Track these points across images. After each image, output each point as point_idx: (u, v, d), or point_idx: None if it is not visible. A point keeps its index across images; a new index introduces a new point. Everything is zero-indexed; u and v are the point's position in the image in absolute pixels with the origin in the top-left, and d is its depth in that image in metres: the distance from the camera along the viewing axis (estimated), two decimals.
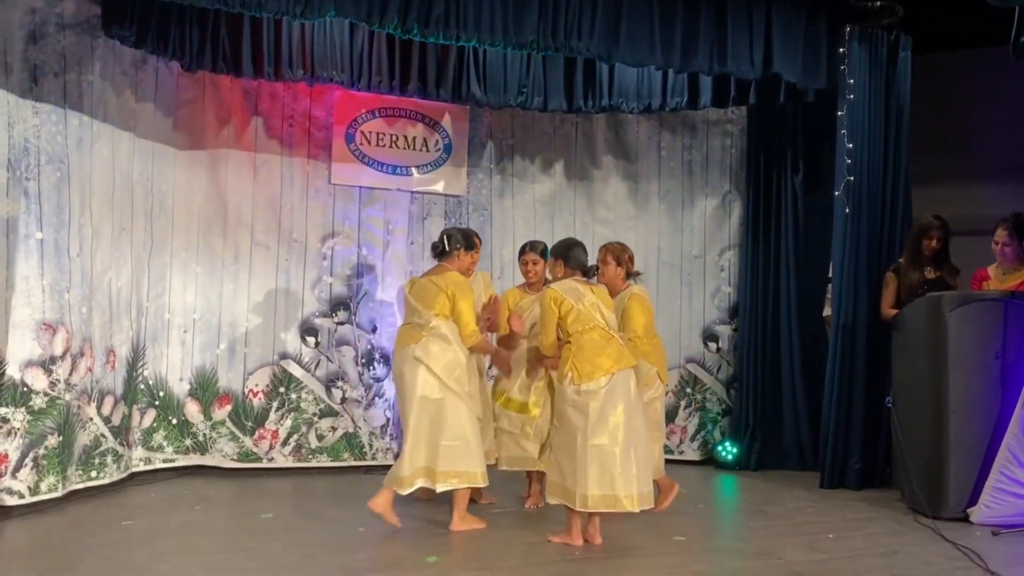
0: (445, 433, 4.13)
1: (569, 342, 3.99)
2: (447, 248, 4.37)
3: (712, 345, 6.38)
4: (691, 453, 6.31)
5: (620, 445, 3.81)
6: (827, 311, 5.60)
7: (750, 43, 5.24)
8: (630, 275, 4.72)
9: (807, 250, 6.07)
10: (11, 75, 4.41)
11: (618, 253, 4.69)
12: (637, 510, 3.83)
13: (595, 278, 4.34)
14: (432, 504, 4.60)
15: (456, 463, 4.13)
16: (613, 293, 4.48)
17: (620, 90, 6.03)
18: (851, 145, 5.41)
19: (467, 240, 4.46)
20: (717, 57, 5.20)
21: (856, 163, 5.42)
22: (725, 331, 6.38)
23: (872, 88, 5.49)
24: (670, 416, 6.30)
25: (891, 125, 5.55)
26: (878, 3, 5.48)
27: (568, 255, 4.19)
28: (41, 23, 4.60)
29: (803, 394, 6.01)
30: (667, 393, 6.22)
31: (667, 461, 6.07)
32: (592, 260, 4.44)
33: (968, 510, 4.52)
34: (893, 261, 5.38)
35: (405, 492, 4.13)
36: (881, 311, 5.30)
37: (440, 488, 4.13)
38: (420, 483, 4.14)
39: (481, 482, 4.22)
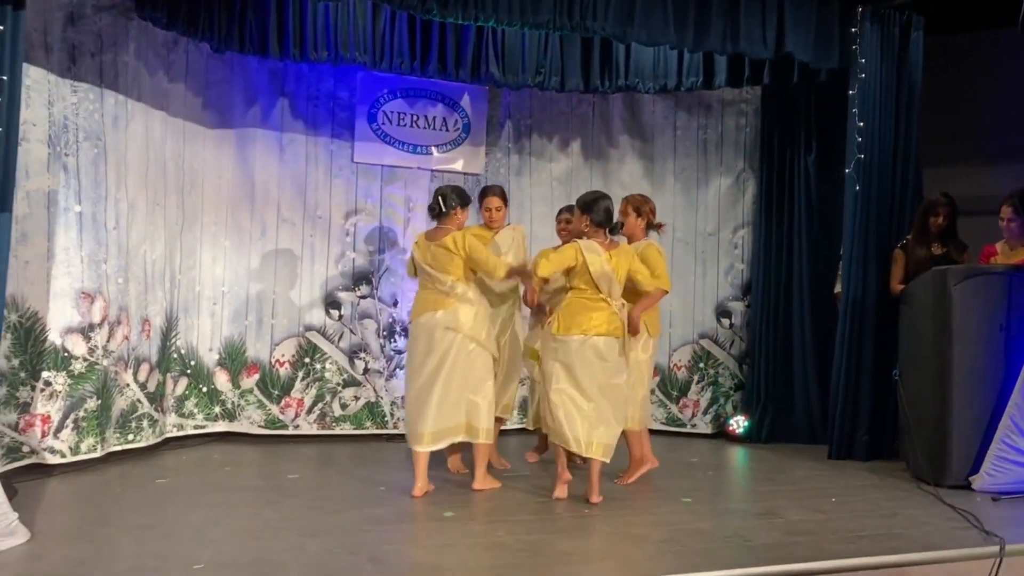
0: (471, 388, 4.37)
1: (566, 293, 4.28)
2: (444, 209, 4.46)
3: (725, 321, 6.52)
4: (703, 426, 6.46)
5: (583, 397, 4.14)
6: (838, 288, 5.70)
7: (763, 23, 5.34)
8: (651, 226, 4.89)
9: (819, 228, 6.18)
10: (51, 55, 4.63)
11: (638, 204, 4.90)
12: (593, 456, 4.15)
13: (619, 234, 4.49)
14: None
15: (484, 419, 4.37)
16: (632, 242, 4.69)
17: (636, 70, 6.16)
18: (862, 124, 5.50)
19: (462, 197, 4.55)
20: (730, 37, 5.31)
21: (867, 142, 5.51)
22: (738, 307, 6.51)
23: (884, 68, 5.57)
24: (683, 390, 6.47)
25: (902, 104, 5.63)
26: None
27: (593, 207, 4.31)
28: (79, 5, 4.81)
29: (814, 369, 6.14)
30: (678, 367, 6.44)
31: (680, 434, 6.36)
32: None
33: (970, 478, 4.65)
34: (902, 238, 5.48)
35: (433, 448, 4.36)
36: (890, 287, 5.42)
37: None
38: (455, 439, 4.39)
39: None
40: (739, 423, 6.27)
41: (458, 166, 6.31)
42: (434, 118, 6.26)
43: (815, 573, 3.28)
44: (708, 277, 6.53)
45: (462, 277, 4.41)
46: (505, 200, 4.99)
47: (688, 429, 6.41)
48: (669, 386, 6.47)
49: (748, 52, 5.43)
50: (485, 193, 5.00)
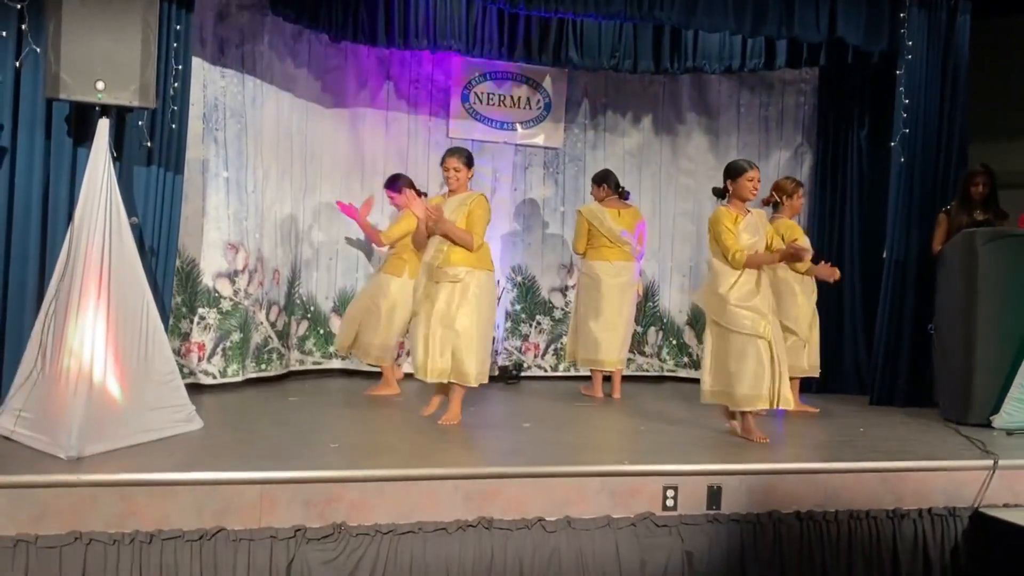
0: None
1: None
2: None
3: None
4: None
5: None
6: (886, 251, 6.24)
7: (816, 9, 5.89)
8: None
9: (870, 197, 6.70)
10: (206, 47, 5.60)
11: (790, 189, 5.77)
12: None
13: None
14: None
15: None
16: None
17: (703, 53, 6.77)
18: (908, 101, 6.02)
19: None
20: (785, 23, 5.89)
21: (912, 118, 6.01)
22: None
23: (930, 50, 6.05)
24: None
25: (947, 84, 6.09)
26: None
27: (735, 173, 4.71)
28: (225, 4, 5.77)
29: (862, 325, 6.70)
30: None
31: None
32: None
33: (991, 417, 5.21)
34: (946, 205, 5.99)
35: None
36: (932, 248, 5.95)
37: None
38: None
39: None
40: None
41: (539, 140, 7.08)
42: (519, 98, 7.05)
43: (822, 471, 3.98)
44: None
45: None
46: (467, 163, 4.90)
47: None
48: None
49: (802, 36, 6.02)
50: (445, 154, 4.95)
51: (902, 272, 6.06)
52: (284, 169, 6.26)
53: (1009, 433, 4.97)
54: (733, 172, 4.72)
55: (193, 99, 5.38)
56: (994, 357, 5.25)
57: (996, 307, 5.28)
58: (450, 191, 4.92)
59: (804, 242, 5.57)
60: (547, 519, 3.64)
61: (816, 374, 5.83)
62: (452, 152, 4.90)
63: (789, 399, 4.54)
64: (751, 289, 4.57)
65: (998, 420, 5.15)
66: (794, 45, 6.62)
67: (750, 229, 4.64)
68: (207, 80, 5.62)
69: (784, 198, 5.72)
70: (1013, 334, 5.23)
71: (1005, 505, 4.11)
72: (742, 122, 7.25)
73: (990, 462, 4.15)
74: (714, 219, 4.68)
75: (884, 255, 6.20)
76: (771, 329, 4.52)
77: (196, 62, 5.42)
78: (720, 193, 4.80)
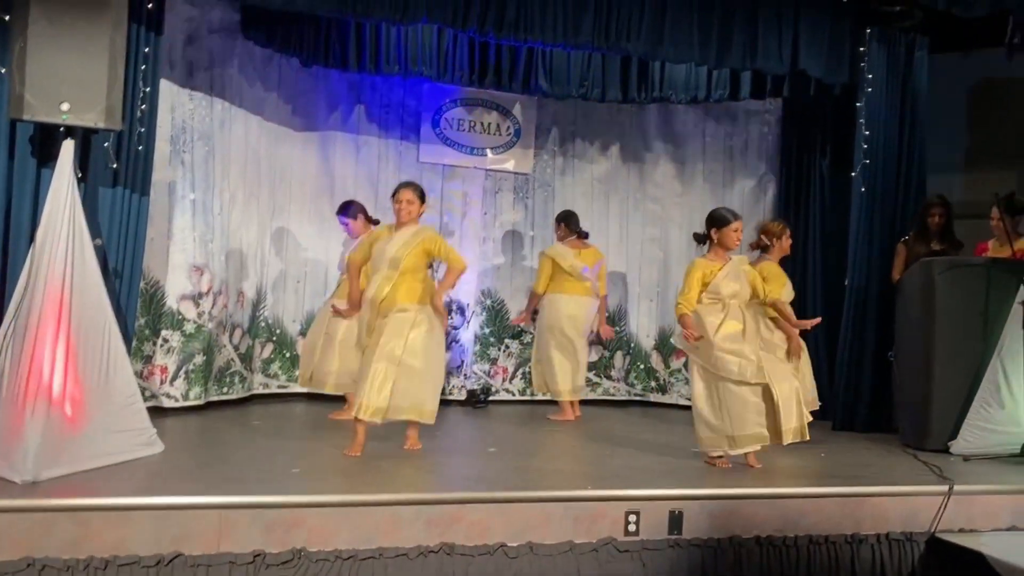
0: None
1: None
2: None
3: None
4: None
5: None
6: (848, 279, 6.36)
7: (779, 42, 6.02)
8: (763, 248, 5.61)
9: (832, 226, 6.80)
10: (174, 69, 5.61)
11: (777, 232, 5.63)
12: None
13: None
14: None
15: None
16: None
17: (670, 83, 6.91)
18: (868, 133, 6.16)
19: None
20: (749, 55, 6.01)
21: (872, 149, 6.16)
22: None
23: (889, 84, 6.21)
24: None
25: (906, 116, 6.26)
26: (897, 7, 6.17)
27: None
28: (195, 28, 5.79)
29: (825, 352, 6.76)
30: None
31: None
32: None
33: (949, 443, 5.29)
34: (905, 235, 6.12)
35: None
36: (892, 277, 6.07)
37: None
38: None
39: None
40: None
41: (509, 166, 7.15)
42: (489, 124, 7.12)
43: (782, 496, 4.03)
44: None
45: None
46: (421, 196, 4.73)
47: None
48: None
49: (765, 68, 6.15)
50: (398, 187, 4.77)
51: (863, 300, 6.17)
52: (251, 191, 6.26)
53: (966, 459, 5.06)
54: (718, 222, 4.66)
55: (161, 121, 5.38)
56: (952, 384, 5.35)
57: (953, 335, 5.39)
58: (400, 223, 4.67)
59: (787, 290, 5.56)
60: (509, 545, 3.64)
61: (815, 407, 5.53)
62: (406, 185, 4.73)
63: (798, 432, 4.55)
64: (737, 332, 4.53)
65: (956, 446, 5.23)
66: (758, 76, 6.75)
67: (732, 276, 4.63)
68: (175, 102, 5.62)
69: (773, 240, 5.61)
70: (970, 361, 5.34)
71: (960, 530, 4.18)
72: (707, 151, 7.37)
73: (946, 487, 4.22)
74: (690, 268, 4.67)
75: (846, 283, 6.31)
76: (761, 372, 4.50)
77: (164, 84, 5.41)
78: (701, 239, 4.75)
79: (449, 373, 6.85)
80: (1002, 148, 6.75)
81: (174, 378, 5.59)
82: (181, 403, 5.62)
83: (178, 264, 5.63)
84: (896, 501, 4.16)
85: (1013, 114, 5.82)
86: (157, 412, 5.31)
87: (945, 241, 5.94)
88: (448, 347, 6.85)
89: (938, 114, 6.57)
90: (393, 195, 4.72)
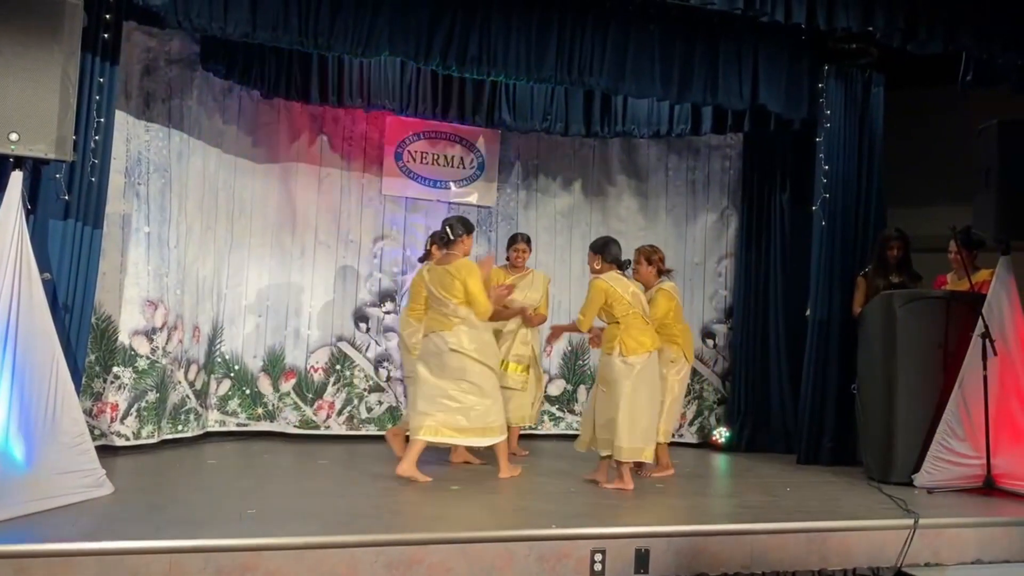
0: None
1: (617, 323, 4.88)
2: (452, 237, 4.97)
3: (710, 342, 7.24)
4: (690, 437, 7.14)
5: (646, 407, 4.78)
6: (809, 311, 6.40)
7: (739, 78, 6.10)
8: (661, 273, 5.54)
9: (793, 259, 6.86)
10: (131, 100, 5.51)
11: (648, 254, 5.54)
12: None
13: (629, 271, 5.21)
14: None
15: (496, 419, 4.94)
16: (646, 288, 5.36)
17: (632, 118, 6.95)
18: (827, 167, 6.24)
19: (466, 226, 5.08)
20: (710, 90, 6.08)
21: (832, 182, 6.23)
22: (721, 329, 7.24)
23: (847, 119, 6.31)
24: None
25: (864, 151, 6.36)
26: (854, 45, 6.30)
27: (605, 250, 5.05)
28: (153, 59, 5.70)
29: (788, 385, 6.80)
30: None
31: (669, 444, 7.00)
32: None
33: (912, 476, 5.30)
34: (865, 268, 6.18)
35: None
36: (853, 310, 6.11)
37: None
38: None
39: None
40: (721, 434, 6.95)
41: (473, 199, 7.11)
42: (452, 157, 7.09)
43: (748, 532, 3.98)
44: (695, 302, 7.25)
45: (461, 300, 4.87)
46: (530, 245, 5.96)
47: (676, 439, 7.08)
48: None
49: (726, 104, 6.22)
50: (515, 239, 6.01)
51: (825, 333, 6.19)
52: (208, 224, 6.14)
53: (930, 492, 5.06)
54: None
55: (116, 153, 5.25)
56: (914, 416, 5.38)
57: (915, 368, 5.42)
58: (516, 268, 5.91)
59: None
60: None
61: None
62: (522, 237, 6.01)
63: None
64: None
65: (919, 479, 5.24)
66: (719, 112, 6.83)
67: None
68: (131, 134, 5.51)
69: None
70: (931, 394, 5.37)
71: (927, 564, 4.16)
72: (670, 185, 7.41)
73: (911, 521, 4.20)
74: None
75: (807, 313, 6.34)
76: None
77: (120, 115, 5.33)
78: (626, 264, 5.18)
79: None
80: (957, 183, 6.86)
81: (125, 416, 5.41)
82: (132, 442, 5.43)
83: (131, 298, 5.48)
84: (862, 536, 4.13)
85: (967, 150, 5.91)
86: (107, 451, 5.18)
87: (904, 274, 5.99)
88: None
89: (895, 149, 6.69)
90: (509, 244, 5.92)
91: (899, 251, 5.95)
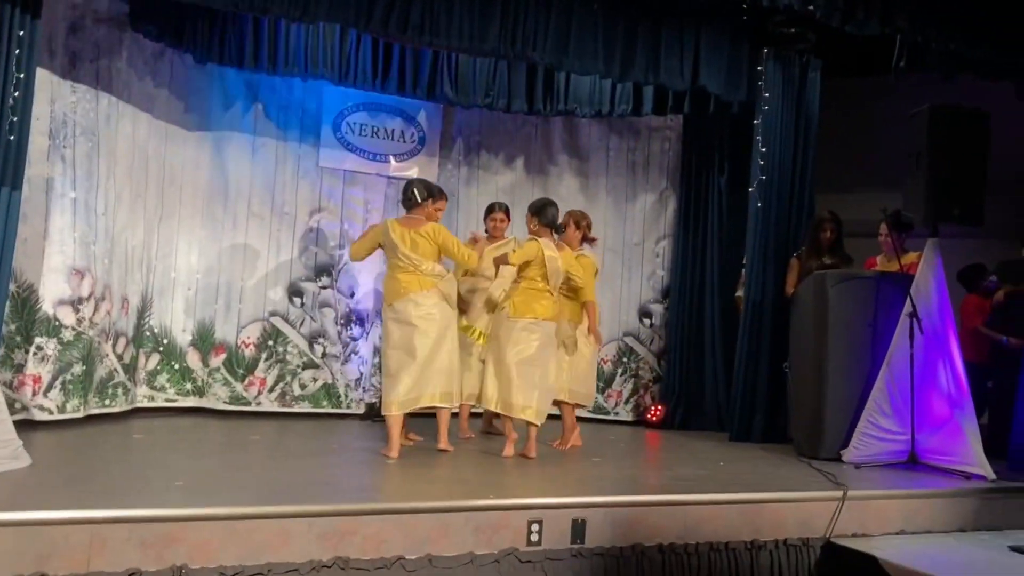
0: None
1: (518, 283, 4.96)
2: (418, 199, 4.98)
3: (647, 321, 7.30)
4: (625, 414, 7.21)
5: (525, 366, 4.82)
6: (739, 292, 6.50)
7: (680, 59, 6.15)
8: (586, 239, 5.62)
9: (729, 240, 6.97)
10: (55, 59, 5.26)
11: (578, 218, 5.64)
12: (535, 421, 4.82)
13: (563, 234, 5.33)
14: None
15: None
16: (570, 250, 5.40)
17: (575, 97, 6.93)
18: (764, 149, 6.33)
19: (429, 190, 5.12)
20: (652, 69, 6.10)
21: (768, 165, 6.33)
22: (658, 309, 7.30)
23: (784, 102, 6.42)
24: (608, 382, 7.20)
25: (800, 134, 6.47)
26: (792, 30, 6.39)
27: (541, 213, 5.10)
28: (80, 16, 5.46)
29: (722, 364, 6.91)
30: (604, 361, 7.15)
31: (603, 421, 7.08)
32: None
33: (841, 451, 5.43)
34: (798, 249, 6.30)
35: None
36: (785, 290, 6.22)
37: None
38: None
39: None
40: (656, 412, 7.02)
41: (413, 174, 6.96)
42: (392, 130, 6.97)
43: (683, 503, 4.02)
44: (633, 282, 7.31)
45: (434, 259, 4.94)
46: (508, 214, 5.89)
47: (611, 416, 7.15)
48: (598, 378, 7.19)
49: (667, 83, 6.25)
50: (492, 208, 5.90)
51: (759, 313, 6.29)
52: (138, 192, 5.93)
53: (857, 466, 5.19)
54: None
55: (39, 113, 5.06)
56: (843, 394, 5.50)
57: (845, 346, 5.54)
58: (494, 238, 5.73)
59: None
60: (407, 558, 3.49)
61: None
62: (500, 207, 5.90)
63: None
64: None
65: (847, 454, 5.37)
66: (660, 93, 6.86)
67: None
68: (55, 94, 5.27)
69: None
70: (860, 372, 5.50)
71: (854, 535, 4.26)
72: (611, 165, 7.43)
73: (840, 493, 4.30)
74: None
75: (737, 295, 6.44)
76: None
77: (43, 74, 5.12)
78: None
79: (347, 386, 6.65)
80: (888, 170, 7.04)
81: (48, 389, 5.19)
82: (57, 416, 5.22)
83: (56, 266, 5.25)
84: (793, 507, 4.21)
85: (899, 136, 6.05)
86: (28, 425, 4.98)
87: (836, 256, 6.12)
88: (347, 359, 6.67)
89: (830, 134, 6.82)
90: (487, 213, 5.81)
91: (832, 233, 6.07)
